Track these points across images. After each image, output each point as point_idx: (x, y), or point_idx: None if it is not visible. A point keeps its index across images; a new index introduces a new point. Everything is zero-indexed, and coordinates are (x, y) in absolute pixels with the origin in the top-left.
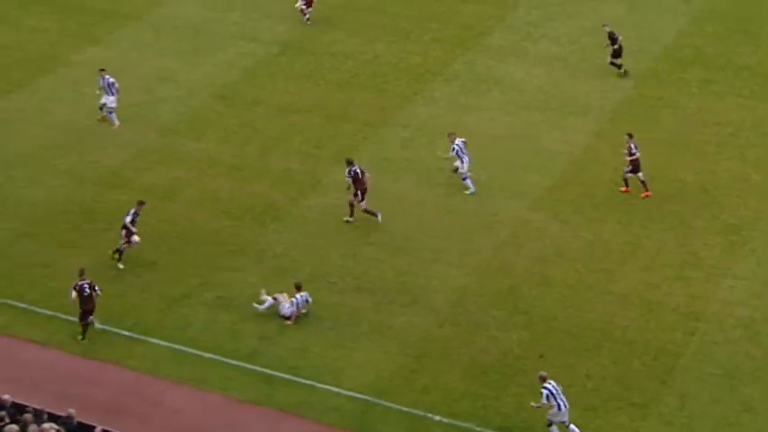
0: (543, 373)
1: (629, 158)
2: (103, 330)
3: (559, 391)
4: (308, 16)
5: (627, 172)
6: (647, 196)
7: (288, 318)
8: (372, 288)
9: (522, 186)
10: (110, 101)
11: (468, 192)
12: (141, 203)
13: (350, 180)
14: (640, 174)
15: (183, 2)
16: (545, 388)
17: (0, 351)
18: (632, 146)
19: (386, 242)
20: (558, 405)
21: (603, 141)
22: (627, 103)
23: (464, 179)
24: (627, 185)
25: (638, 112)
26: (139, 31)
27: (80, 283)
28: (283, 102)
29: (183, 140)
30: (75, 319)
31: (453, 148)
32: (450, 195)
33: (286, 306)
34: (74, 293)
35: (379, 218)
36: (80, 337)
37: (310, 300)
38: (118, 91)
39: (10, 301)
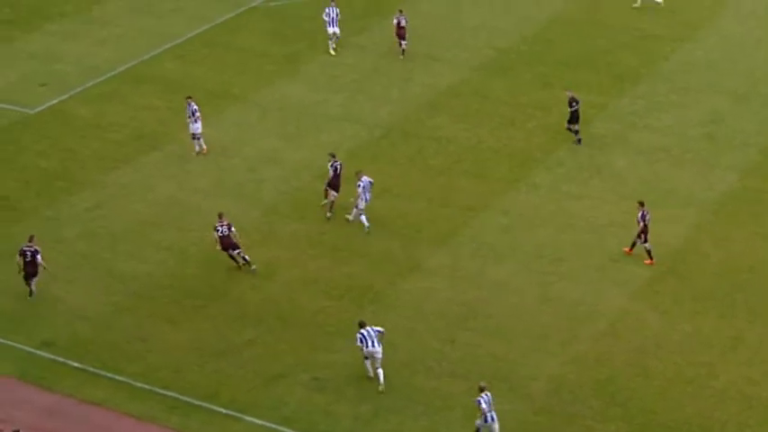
0: (482, 384)
1: (640, 225)
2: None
3: (491, 405)
4: (403, 48)
5: (641, 242)
6: (649, 263)
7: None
8: (468, 374)
9: (622, 276)
10: (195, 128)
11: (365, 228)
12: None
13: (331, 171)
14: (647, 244)
15: (289, 83)
16: (480, 399)
17: (98, 424)
18: (644, 212)
19: (484, 328)
20: (486, 417)
21: (705, 234)
22: (731, 196)
23: (360, 216)
24: (650, 257)
25: (743, 206)
26: (245, 112)
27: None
28: (385, 184)
29: (284, 220)
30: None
31: (359, 185)
32: (549, 284)
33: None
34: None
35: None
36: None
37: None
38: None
39: (109, 374)
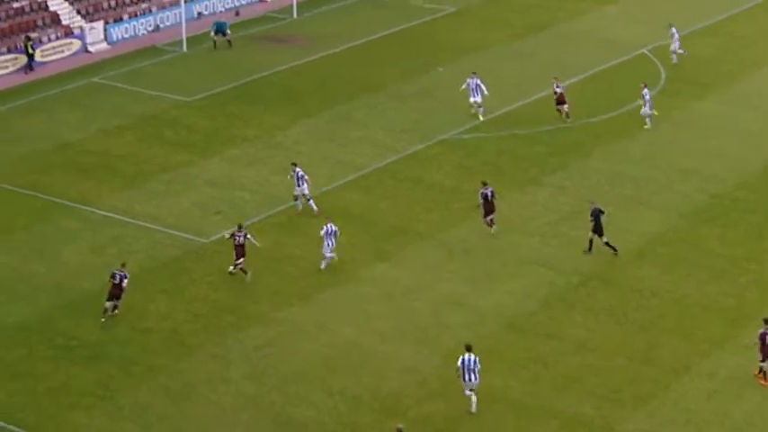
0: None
1: None
2: None
3: (473, 366)
4: (565, 113)
5: None
6: None
7: None
8: None
9: None
10: (300, 190)
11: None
12: None
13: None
14: None
15: (479, 222)
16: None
17: None
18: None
19: None
20: (465, 376)
21: None
22: None
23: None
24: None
25: None
26: (431, 251)
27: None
28: (580, 338)
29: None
30: None
31: (323, 228)
32: None
33: None
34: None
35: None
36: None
37: None
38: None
39: None
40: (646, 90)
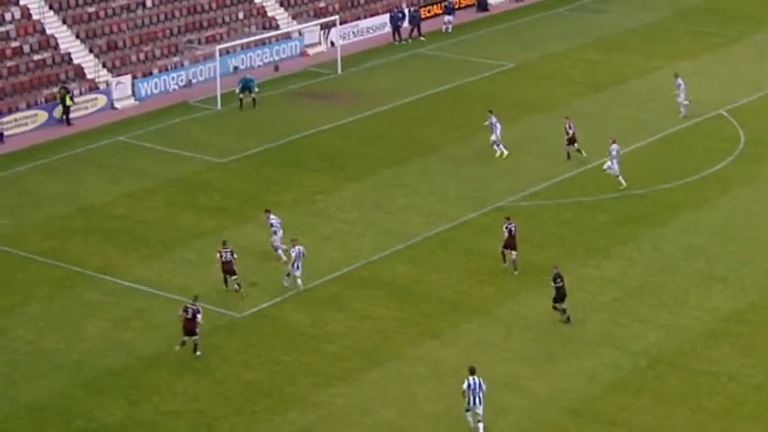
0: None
1: None
2: None
3: (477, 390)
4: (577, 149)
5: None
6: None
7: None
8: None
9: None
10: (275, 239)
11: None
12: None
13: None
14: None
15: (536, 297)
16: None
17: None
18: None
19: None
20: (470, 400)
21: None
22: None
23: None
24: None
25: None
26: (486, 328)
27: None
28: (648, 425)
29: None
30: None
31: (294, 249)
32: None
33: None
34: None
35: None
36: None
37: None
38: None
39: None
40: (614, 146)
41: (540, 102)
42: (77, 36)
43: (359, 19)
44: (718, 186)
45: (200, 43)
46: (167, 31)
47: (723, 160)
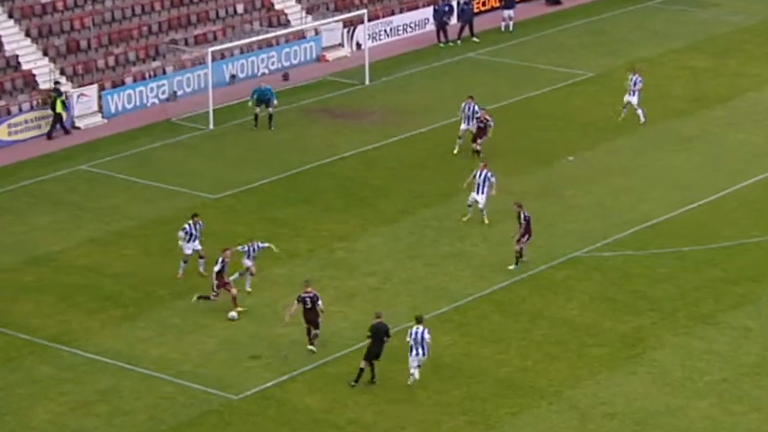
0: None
1: None
2: None
3: (420, 340)
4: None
5: None
6: None
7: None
8: None
9: None
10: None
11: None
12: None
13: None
14: None
15: (626, 375)
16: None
17: None
18: None
19: None
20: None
21: None
22: None
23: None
24: None
25: None
26: (556, 415)
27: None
28: None
29: None
30: None
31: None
32: None
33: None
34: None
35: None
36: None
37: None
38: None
39: None
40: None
41: (626, 122)
42: (27, 34)
43: (393, 14)
44: None
45: (187, 45)
46: (144, 29)
47: None
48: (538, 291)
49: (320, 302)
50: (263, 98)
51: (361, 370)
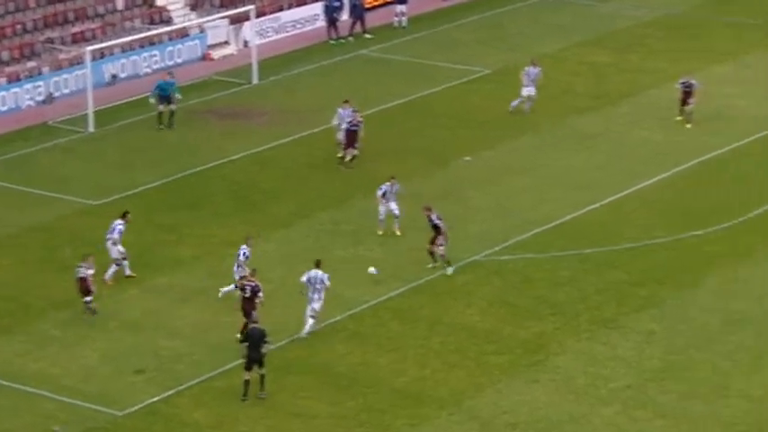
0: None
1: None
2: None
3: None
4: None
5: None
6: None
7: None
8: None
9: None
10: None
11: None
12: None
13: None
14: None
15: (528, 384)
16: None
17: None
18: None
19: None
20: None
21: None
22: None
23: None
24: None
25: None
26: (456, 427)
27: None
28: None
29: None
30: None
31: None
32: None
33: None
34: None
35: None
36: None
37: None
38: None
39: None
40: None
41: (527, 121)
42: None
43: (281, 10)
44: None
45: (64, 43)
46: (18, 27)
47: None
48: (436, 297)
49: (261, 294)
50: (164, 92)
51: (246, 381)
